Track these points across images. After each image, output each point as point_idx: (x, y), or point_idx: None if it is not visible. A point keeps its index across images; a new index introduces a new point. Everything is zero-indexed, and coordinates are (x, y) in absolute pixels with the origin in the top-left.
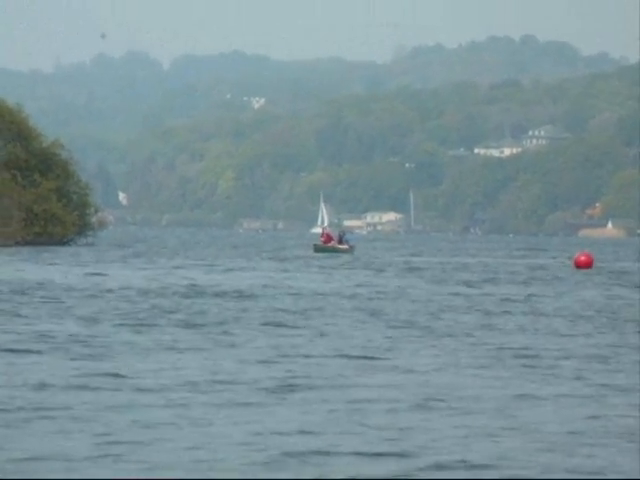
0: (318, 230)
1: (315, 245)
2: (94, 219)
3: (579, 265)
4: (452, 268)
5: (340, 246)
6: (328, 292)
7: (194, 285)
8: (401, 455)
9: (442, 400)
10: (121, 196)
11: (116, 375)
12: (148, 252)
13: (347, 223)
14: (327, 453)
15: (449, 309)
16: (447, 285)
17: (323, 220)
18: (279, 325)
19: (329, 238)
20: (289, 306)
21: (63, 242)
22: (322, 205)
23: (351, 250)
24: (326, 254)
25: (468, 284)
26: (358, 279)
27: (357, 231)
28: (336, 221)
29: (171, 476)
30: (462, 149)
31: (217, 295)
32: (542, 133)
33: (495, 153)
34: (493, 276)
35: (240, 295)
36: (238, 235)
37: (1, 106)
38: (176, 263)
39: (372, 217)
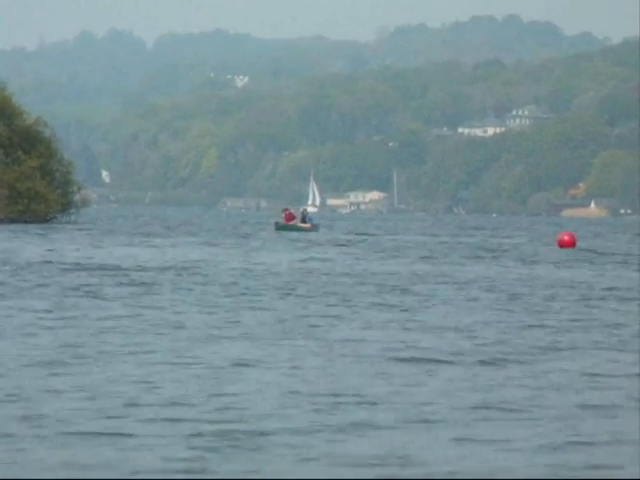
0: (310, 209)
1: (277, 223)
2: (77, 197)
3: (563, 245)
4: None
5: (302, 225)
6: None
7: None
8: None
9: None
10: (104, 174)
11: None
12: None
13: (330, 202)
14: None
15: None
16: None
17: (314, 199)
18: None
19: (291, 217)
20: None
21: (46, 220)
22: (312, 184)
23: (314, 229)
24: (287, 232)
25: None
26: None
27: (340, 210)
28: (321, 200)
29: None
30: (445, 128)
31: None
32: (525, 113)
33: (479, 133)
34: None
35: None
36: (218, 214)
37: None
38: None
39: (356, 196)
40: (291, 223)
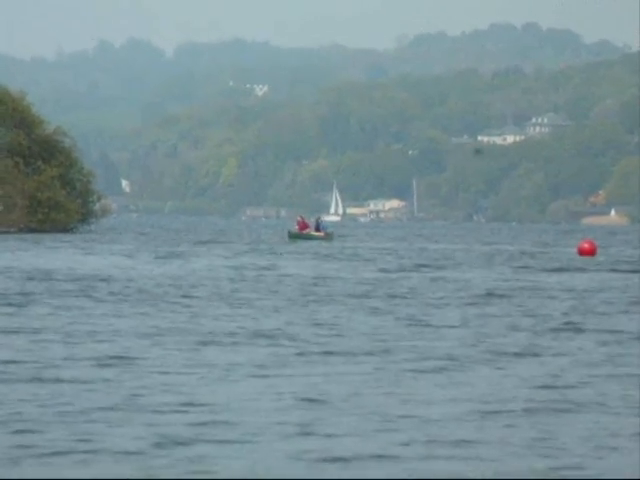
0: (333, 218)
1: (289, 232)
2: (97, 206)
3: (583, 253)
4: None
5: (315, 233)
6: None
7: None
8: None
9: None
10: (124, 184)
11: None
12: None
13: (350, 211)
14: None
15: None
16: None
17: (337, 208)
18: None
19: (305, 225)
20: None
21: (66, 229)
22: (335, 192)
23: (328, 237)
24: (300, 241)
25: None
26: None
27: (360, 218)
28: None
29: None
30: (465, 136)
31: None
32: (545, 121)
33: (498, 141)
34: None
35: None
36: (238, 222)
37: (4, 93)
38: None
39: (375, 205)
40: (304, 232)
